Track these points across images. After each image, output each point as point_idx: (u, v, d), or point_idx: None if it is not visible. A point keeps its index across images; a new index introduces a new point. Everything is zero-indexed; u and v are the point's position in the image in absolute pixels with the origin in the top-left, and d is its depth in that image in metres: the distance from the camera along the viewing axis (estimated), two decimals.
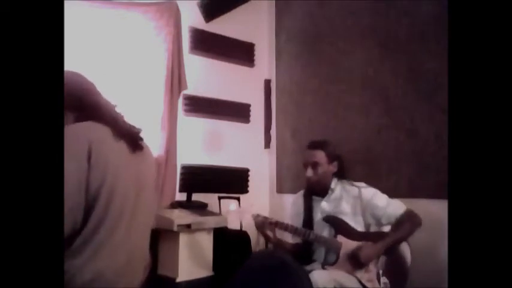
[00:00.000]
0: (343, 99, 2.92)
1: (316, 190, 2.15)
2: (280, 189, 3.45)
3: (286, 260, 1.62)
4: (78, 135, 1.09)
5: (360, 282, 1.88)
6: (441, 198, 1.98)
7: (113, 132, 1.17)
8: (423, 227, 1.96)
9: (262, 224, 2.07)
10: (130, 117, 1.32)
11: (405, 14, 2.54)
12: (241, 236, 2.80)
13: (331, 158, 2.10)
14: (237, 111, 3.41)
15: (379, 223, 2.04)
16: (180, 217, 2.34)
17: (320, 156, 2.08)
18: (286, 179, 3.39)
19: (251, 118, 3.50)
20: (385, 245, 1.92)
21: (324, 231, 2.07)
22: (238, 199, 2.72)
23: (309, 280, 1.66)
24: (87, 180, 1.06)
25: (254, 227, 2.15)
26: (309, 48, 3.28)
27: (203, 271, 2.40)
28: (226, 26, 3.32)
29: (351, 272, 1.91)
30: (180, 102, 3.01)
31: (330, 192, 2.11)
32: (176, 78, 2.88)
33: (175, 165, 2.81)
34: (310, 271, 1.81)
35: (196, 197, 2.68)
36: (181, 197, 2.72)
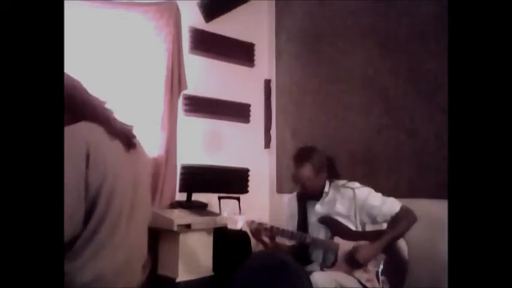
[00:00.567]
0: (343, 99, 2.92)
1: (309, 195, 2.15)
2: (280, 189, 3.45)
3: (286, 260, 1.62)
4: (74, 137, 1.07)
5: (360, 282, 1.88)
6: (441, 198, 1.98)
7: (106, 131, 1.15)
8: (423, 227, 1.96)
9: (258, 231, 2.04)
10: (131, 117, 1.32)
11: (405, 14, 2.54)
12: (241, 236, 2.79)
13: (320, 168, 2.07)
14: (237, 111, 3.41)
15: (374, 222, 2.03)
16: (180, 217, 2.34)
17: (307, 172, 2.04)
18: (286, 179, 3.38)
19: (251, 118, 3.50)
20: (382, 243, 1.92)
21: (320, 233, 2.06)
22: (238, 199, 2.71)
23: (309, 280, 1.67)
24: (86, 182, 1.05)
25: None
26: (309, 48, 3.28)
27: (203, 271, 2.40)
28: (226, 26, 3.32)
29: (350, 273, 1.91)
30: (180, 102, 3.01)
31: (324, 195, 2.11)
32: (176, 78, 2.88)
33: (175, 165, 2.81)
34: (310, 272, 1.81)
35: (196, 197, 2.69)
36: (181, 197, 2.72)
